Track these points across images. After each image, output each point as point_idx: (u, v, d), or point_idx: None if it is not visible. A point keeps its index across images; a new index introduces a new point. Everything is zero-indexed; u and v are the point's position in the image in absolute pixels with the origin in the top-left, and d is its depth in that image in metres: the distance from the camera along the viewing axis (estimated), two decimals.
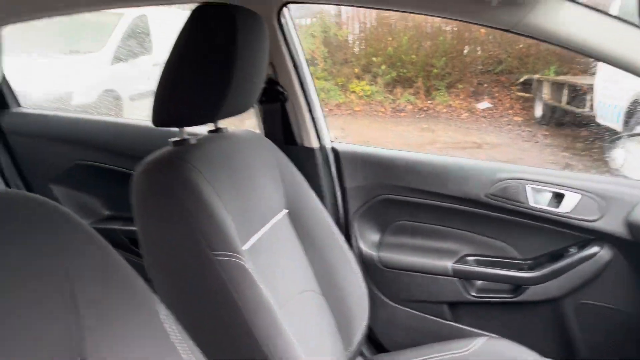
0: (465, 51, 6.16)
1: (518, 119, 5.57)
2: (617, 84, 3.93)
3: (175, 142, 1.02)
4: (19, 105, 1.92)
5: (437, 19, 5.56)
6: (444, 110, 5.86)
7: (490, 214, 1.44)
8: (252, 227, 1.06)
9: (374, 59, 6.22)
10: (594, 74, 4.51)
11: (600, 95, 4.34)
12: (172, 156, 0.97)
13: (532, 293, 1.41)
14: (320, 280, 1.21)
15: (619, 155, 1.31)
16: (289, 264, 1.15)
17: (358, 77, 6.20)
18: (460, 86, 5.96)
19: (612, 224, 1.32)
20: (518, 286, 1.44)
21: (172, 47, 0.95)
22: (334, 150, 1.56)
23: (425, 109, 5.93)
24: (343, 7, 6.04)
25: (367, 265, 1.53)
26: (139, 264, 0.85)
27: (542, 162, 4.50)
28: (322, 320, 1.18)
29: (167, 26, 4.65)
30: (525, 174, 1.42)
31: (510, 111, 5.67)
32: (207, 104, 0.98)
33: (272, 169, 1.19)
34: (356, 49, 6.56)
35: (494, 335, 1.39)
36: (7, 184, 1.87)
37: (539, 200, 1.39)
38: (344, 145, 1.58)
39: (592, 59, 1.07)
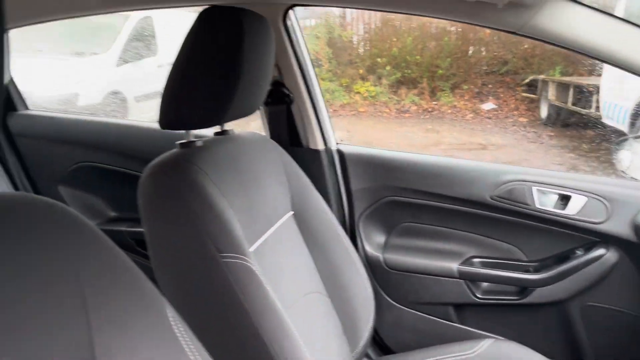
0: (470, 52, 6.15)
1: (523, 119, 5.55)
2: (623, 84, 3.92)
3: (181, 145, 1.02)
4: (26, 107, 1.93)
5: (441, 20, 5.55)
6: (449, 111, 5.85)
7: (496, 215, 1.44)
8: (258, 229, 1.06)
9: (379, 59, 6.22)
10: (599, 74, 4.49)
11: (606, 95, 4.32)
12: (178, 158, 0.97)
13: (538, 295, 1.41)
14: (326, 282, 1.21)
15: (625, 157, 1.30)
16: (295, 266, 1.16)
17: (362, 78, 6.20)
18: (465, 87, 5.95)
19: (619, 226, 1.31)
20: (524, 288, 1.43)
21: (179, 49, 0.95)
22: (339, 152, 1.56)
23: (430, 109, 5.92)
24: (347, 8, 6.04)
25: (373, 267, 1.53)
26: (146, 265, 0.85)
27: (548, 163, 4.47)
28: (328, 322, 1.18)
29: (172, 28, 4.69)
30: (531, 176, 1.41)
31: (515, 112, 5.65)
32: (214, 107, 0.98)
33: (278, 171, 1.19)
34: (361, 50, 6.55)
35: (500, 337, 1.39)
36: (15, 185, 1.88)
37: (544, 202, 1.38)
38: (350, 147, 1.58)
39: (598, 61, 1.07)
